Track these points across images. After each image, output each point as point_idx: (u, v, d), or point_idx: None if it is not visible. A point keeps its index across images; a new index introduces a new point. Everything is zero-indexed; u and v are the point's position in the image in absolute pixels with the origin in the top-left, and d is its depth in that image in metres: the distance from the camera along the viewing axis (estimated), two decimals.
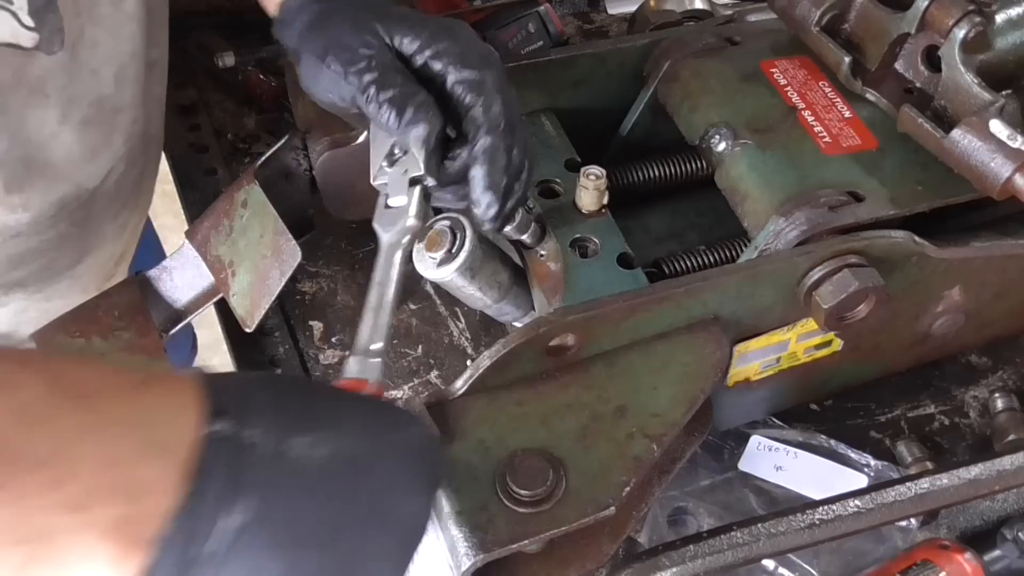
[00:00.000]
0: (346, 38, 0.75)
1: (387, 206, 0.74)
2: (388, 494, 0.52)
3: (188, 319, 0.92)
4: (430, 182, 0.74)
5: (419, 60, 0.75)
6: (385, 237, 0.73)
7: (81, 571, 0.45)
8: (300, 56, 0.78)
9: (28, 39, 0.76)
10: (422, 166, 0.73)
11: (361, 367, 0.65)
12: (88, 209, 0.93)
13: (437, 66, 0.74)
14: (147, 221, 1.23)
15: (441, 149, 0.74)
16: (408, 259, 0.73)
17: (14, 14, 0.74)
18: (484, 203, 0.74)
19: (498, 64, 0.76)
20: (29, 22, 0.75)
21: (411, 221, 0.73)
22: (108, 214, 0.97)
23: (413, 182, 0.73)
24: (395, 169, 0.75)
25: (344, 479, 0.52)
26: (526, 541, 0.68)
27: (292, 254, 0.83)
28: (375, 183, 0.75)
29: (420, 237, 0.83)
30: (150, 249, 1.22)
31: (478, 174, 0.73)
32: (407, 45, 0.75)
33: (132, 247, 1.08)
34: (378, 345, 0.67)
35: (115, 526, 0.45)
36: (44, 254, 0.93)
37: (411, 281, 1.03)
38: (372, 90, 0.73)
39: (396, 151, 0.75)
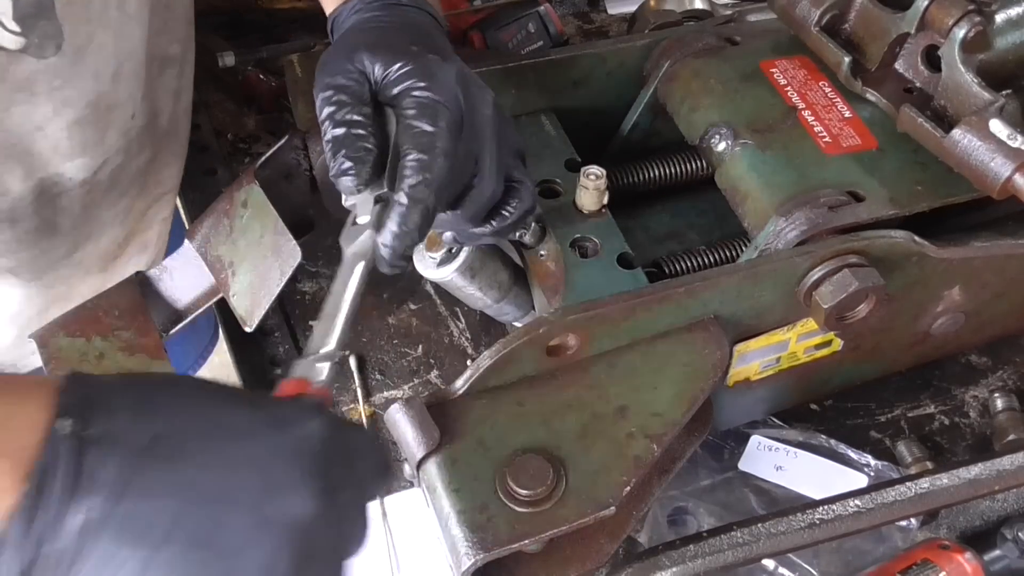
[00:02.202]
0: (333, 64, 0.76)
1: (354, 223, 0.74)
2: (262, 490, 0.50)
3: (188, 319, 0.92)
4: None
5: (390, 91, 0.74)
6: (347, 250, 0.73)
7: None
8: None
9: (12, 42, 0.77)
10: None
11: (306, 369, 0.64)
12: (79, 200, 0.93)
13: (401, 102, 0.74)
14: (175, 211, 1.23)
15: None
16: (367, 271, 0.72)
17: None
18: (380, 254, 0.72)
19: (471, 108, 0.75)
20: (14, 27, 0.77)
21: (369, 236, 0.72)
22: (105, 203, 0.98)
23: (377, 200, 0.73)
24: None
25: (205, 474, 0.49)
26: (526, 541, 0.68)
27: (292, 254, 0.83)
28: (346, 204, 0.75)
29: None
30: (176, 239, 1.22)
31: (390, 222, 0.72)
32: (384, 76, 0.74)
33: (143, 230, 1.08)
34: (327, 348, 0.66)
35: None
36: (35, 244, 0.94)
37: (411, 281, 1.04)
38: (327, 123, 0.74)
39: None
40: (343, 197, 0.76)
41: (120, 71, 0.87)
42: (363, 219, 0.74)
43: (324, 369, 0.64)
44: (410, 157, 0.72)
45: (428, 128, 0.72)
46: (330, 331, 0.67)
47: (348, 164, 0.72)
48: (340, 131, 0.73)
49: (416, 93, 0.73)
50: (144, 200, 1.05)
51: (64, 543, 0.46)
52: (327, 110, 0.74)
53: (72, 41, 0.81)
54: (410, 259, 0.75)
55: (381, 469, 0.58)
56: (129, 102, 0.91)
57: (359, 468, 0.55)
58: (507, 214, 0.79)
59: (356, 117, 0.73)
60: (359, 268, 0.72)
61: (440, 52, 0.76)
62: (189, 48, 0.99)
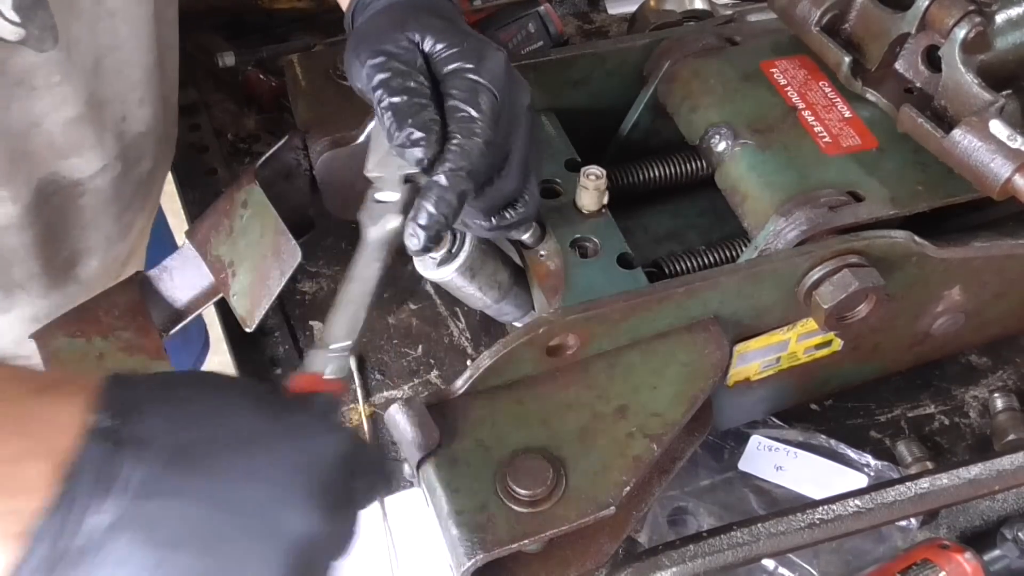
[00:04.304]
0: (379, 33, 0.74)
1: (376, 200, 0.72)
2: (274, 505, 0.52)
3: (188, 319, 0.92)
4: (423, 181, 0.72)
5: (441, 69, 0.74)
6: (371, 231, 0.70)
7: None
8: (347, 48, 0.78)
9: (12, 33, 0.76)
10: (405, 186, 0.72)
11: (320, 361, 0.62)
12: (75, 201, 0.92)
13: (450, 82, 0.73)
14: (161, 218, 1.23)
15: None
16: (390, 257, 0.70)
17: None
18: (412, 234, 0.71)
19: (512, 99, 0.74)
20: (14, 17, 0.76)
21: (398, 219, 0.70)
22: (107, 213, 0.97)
23: (406, 180, 0.72)
24: (391, 163, 0.72)
25: (225, 485, 0.52)
26: (526, 541, 0.68)
27: (292, 254, 0.83)
28: (369, 174, 0.73)
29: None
30: (163, 246, 1.21)
31: (421, 204, 0.70)
32: (434, 51, 0.74)
33: (140, 248, 1.08)
34: (343, 341, 0.64)
35: None
36: (40, 253, 0.93)
37: (411, 281, 1.04)
38: (381, 90, 0.72)
39: None
40: (367, 167, 0.73)
41: (100, 67, 0.86)
42: (385, 196, 0.72)
43: (338, 362, 0.63)
44: (454, 141, 0.71)
45: (474, 113, 0.71)
46: (347, 321, 0.65)
47: (419, 135, 0.70)
48: (400, 99, 0.71)
49: (467, 75, 0.72)
50: (144, 216, 1.04)
51: (88, 541, 0.48)
52: (380, 76, 0.72)
53: (65, 34, 0.79)
54: (439, 244, 0.73)
55: (382, 483, 0.61)
56: (117, 102, 0.89)
57: (363, 484, 0.57)
58: (508, 216, 0.78)
59: (414, 85, 0.72)
60: (381, 253, 0.69)
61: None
62: (174, 57, 0.99)
